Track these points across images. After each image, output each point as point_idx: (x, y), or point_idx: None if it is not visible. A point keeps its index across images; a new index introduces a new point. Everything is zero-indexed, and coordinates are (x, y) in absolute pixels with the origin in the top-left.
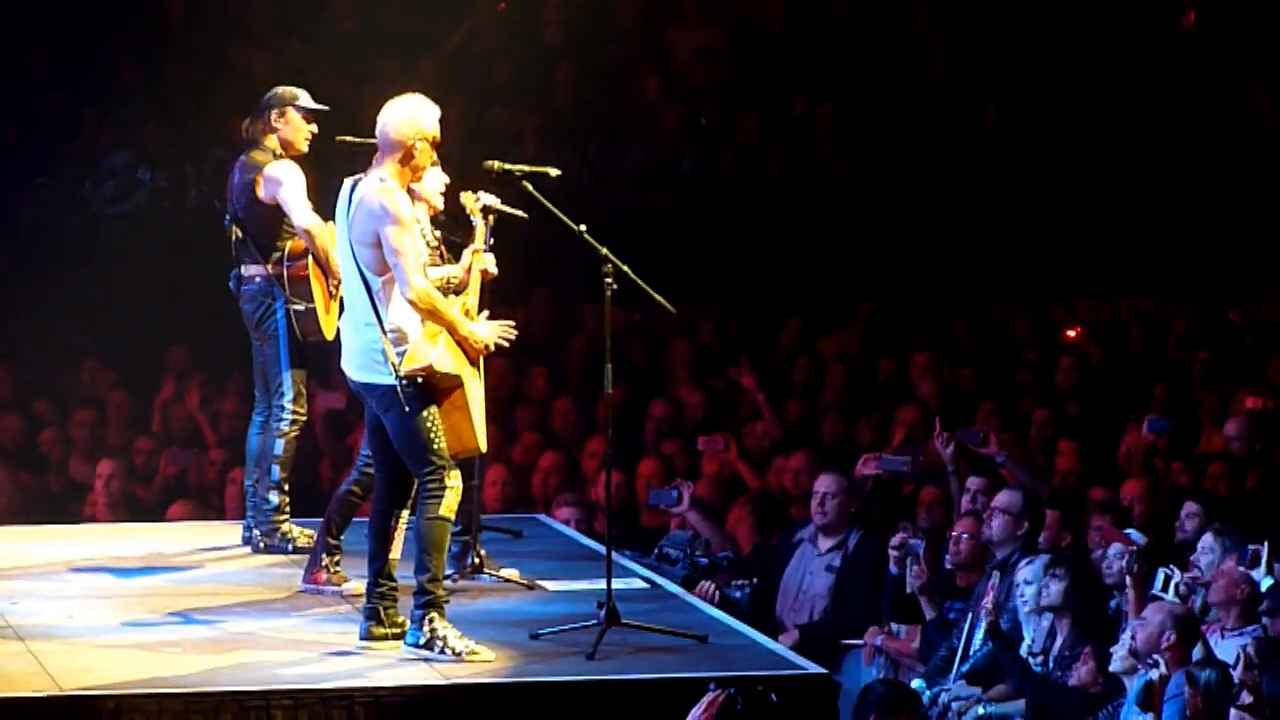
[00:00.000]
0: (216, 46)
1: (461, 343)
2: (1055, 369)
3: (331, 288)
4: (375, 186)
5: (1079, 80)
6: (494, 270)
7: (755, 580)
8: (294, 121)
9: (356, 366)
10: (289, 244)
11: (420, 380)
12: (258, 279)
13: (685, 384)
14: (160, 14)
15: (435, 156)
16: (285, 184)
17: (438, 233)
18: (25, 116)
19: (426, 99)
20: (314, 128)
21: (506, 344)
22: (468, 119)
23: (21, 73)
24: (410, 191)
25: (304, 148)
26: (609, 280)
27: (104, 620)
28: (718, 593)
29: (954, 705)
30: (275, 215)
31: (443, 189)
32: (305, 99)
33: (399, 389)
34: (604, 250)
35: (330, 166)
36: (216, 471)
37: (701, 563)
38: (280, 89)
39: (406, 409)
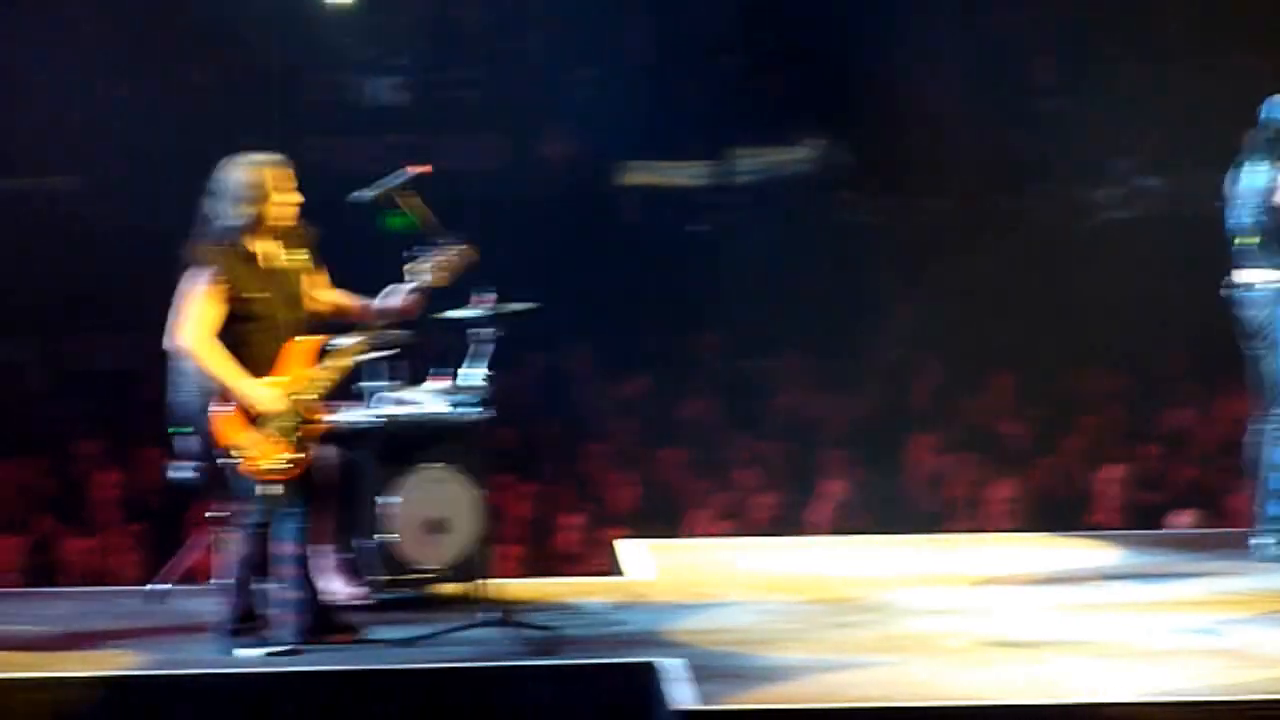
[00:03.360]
0: (1217, 53)
1: None
2: None
3: None
4: None
5: None
6: None
7: None
8: None
9: None
10: None
11: None
12: (1266, 285)
13: None
14: (1162, 18)
15: None
16: None
17: None
18: (1029, 122)
19: None
20: None
21: None
22: None
23: (1026, 79)
24: None
25: None
26: None
27: (1103, 629)
28: None
29: None
30: None
31: None
32: None
33: None
34: None
35: None
36: (1220, 479)
37: None
38: None
39: None
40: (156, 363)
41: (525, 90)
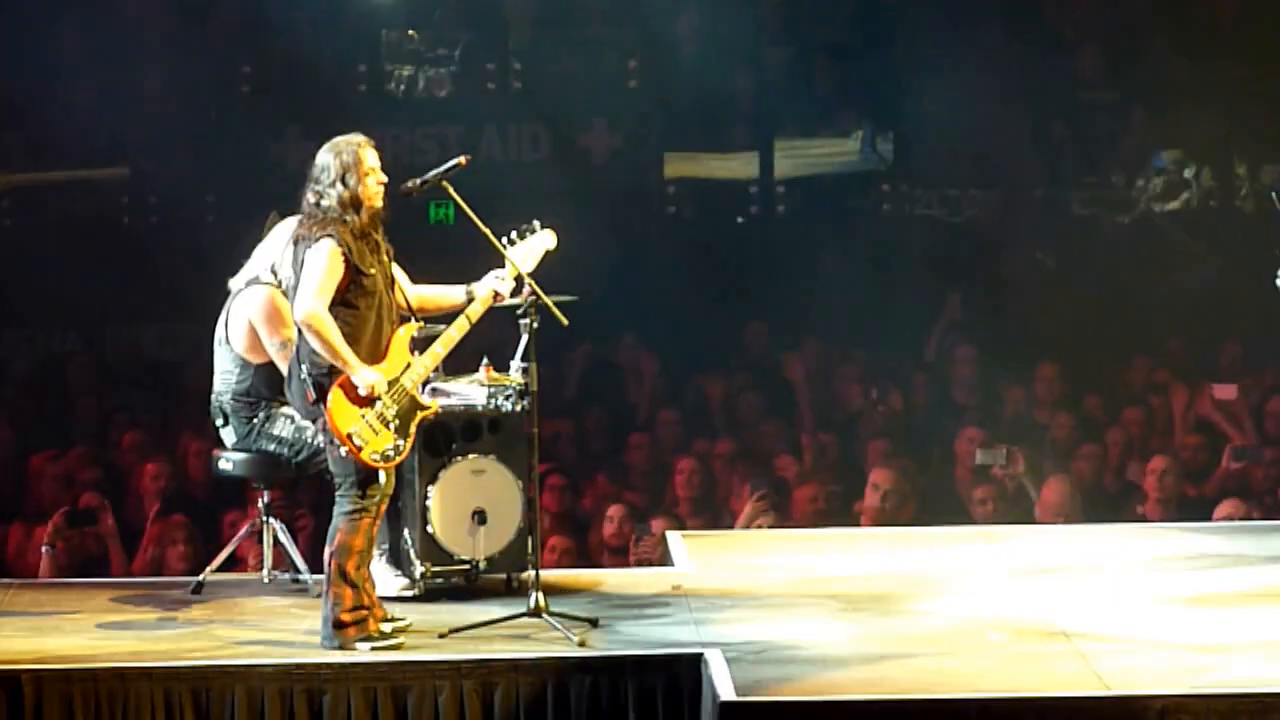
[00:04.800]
0: (1267, 43)
1: None
2: None
3: None
4: None
5: None
6: None
7: None
8: None
9: None
10: None
11: None
12: None
13: None
14: (1209, 9)
15: None
16: None
17: None
18: (1074, 114)
19: None
20: None
21: None
22: None
23: (1070, 70)
24: None
25: None
26: None
27: (1152, 621)
28: None
29: None
30: None
31: None
32: None
33: None
34: None
35: None
36: (1268, 471)
37: None
38: None
39: None
40: (200, 353)
41: (570, 81)
